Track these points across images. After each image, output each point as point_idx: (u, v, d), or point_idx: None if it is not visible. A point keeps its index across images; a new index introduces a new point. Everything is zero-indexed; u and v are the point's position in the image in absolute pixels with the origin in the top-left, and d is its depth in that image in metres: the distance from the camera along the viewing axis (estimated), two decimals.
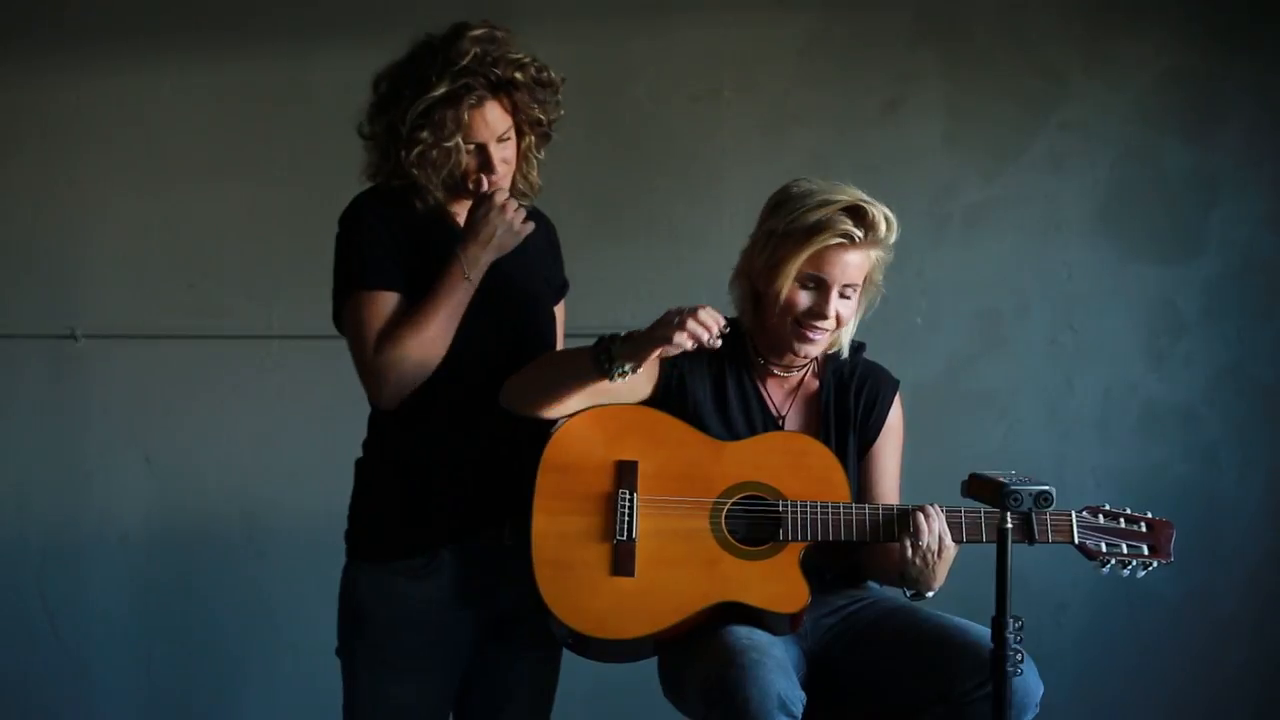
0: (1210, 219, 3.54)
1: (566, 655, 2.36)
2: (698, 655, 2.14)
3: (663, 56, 3.62)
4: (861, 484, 2.35)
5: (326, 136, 3.58)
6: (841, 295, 2.24)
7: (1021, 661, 2.02)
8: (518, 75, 2.23)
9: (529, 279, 2.40)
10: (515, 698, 2.43)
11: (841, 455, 2.31)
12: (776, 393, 2.36)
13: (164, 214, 3.74)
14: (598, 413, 2.25)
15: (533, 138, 2.33)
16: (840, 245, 2.19)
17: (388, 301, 2.27)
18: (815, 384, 2.37)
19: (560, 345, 2.51)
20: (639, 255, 3.60)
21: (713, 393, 2.32)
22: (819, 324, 2.24)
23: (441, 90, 2.18)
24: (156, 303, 3.74)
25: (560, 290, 2.53)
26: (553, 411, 2.23)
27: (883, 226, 2.20)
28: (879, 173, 3.54)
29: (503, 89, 2.23)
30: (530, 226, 2.28)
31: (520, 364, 2.29)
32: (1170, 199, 3.54)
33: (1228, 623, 3.54)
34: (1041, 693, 2.14)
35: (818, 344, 2.27)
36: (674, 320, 2.10)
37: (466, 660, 2.40)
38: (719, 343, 2.12)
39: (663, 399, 2.30)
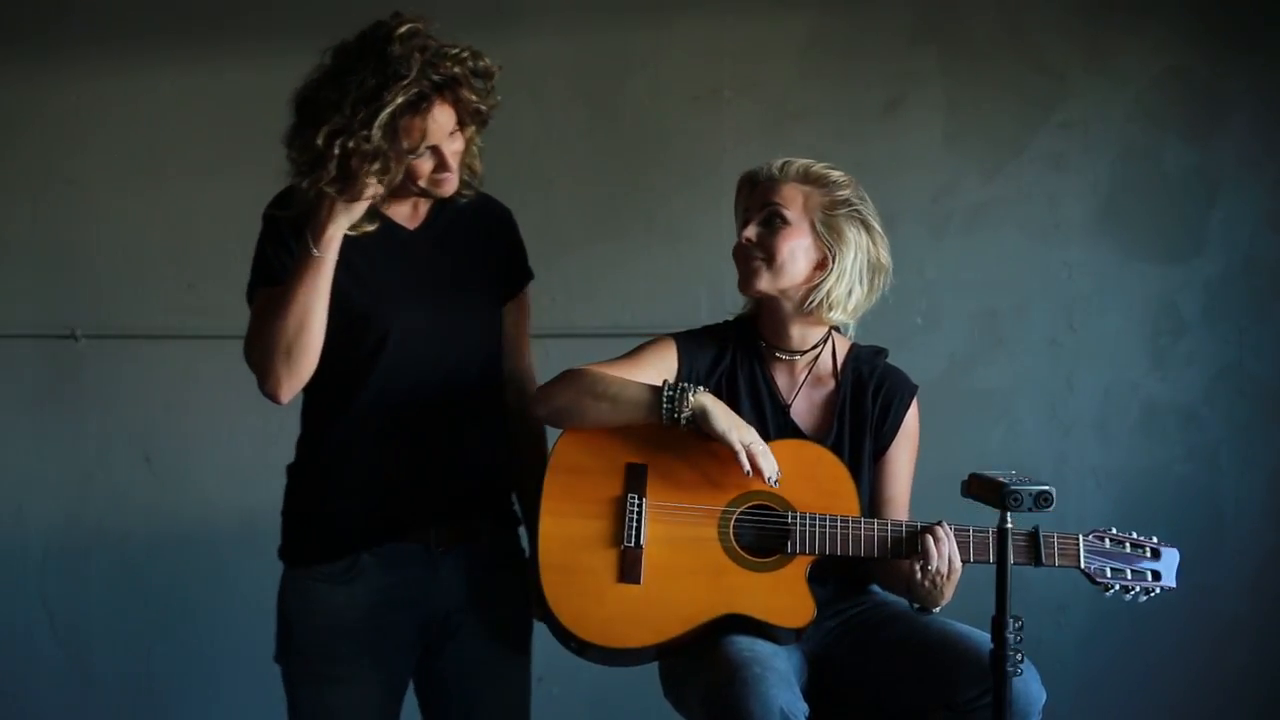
0: (1211, 218, 3.53)
1: (566, 654, 2.36)
2: (700, 665, 2.13)
3: (662, 55, 3.62)
4: (873, 487, 2.35)
5: None
6: (764, 224, 2.29)
7: (1021, 661, 2.02)
8: (457, 70, 2.17)
9: (461, 276, 2.35)
10: (482, 699, 2.37)
11: (856, 457, 2.32)
12: (784, 379, 2.36)
13: (164, 214, 3.74)
14: None
15: (474, 127, 2.27)
16: (748, 181, 2.37)
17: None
18: (832, 382, 2.36)
19: (526, 337, 2.47)
20: (638, 255, 3.60)
21: (723, 384, 2.33)
22: (743, 247, 2.31)
23: (400, 100, 2.11)
24: (156, 303, 3.74)
25: (517, 283, 2.45)
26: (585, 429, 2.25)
27: (777, 166, 2.33)
28: (879, 172, 3.53)
29: (446, 87, 2.17)
30: (376, 189, 2.17)
31: (451, 366, 2.28)
32: (1170, 198, 3.54)
33: (1230, 624, 3.54)
34: (1044, 700, 2.13)
35: (752, 272, 2.30)
36: (750, 448, 2.16)
37: (408, 667, 2.35)
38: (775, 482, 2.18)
39: None
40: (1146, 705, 3.55)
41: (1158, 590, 2.24)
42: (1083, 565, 2.21)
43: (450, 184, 2.26)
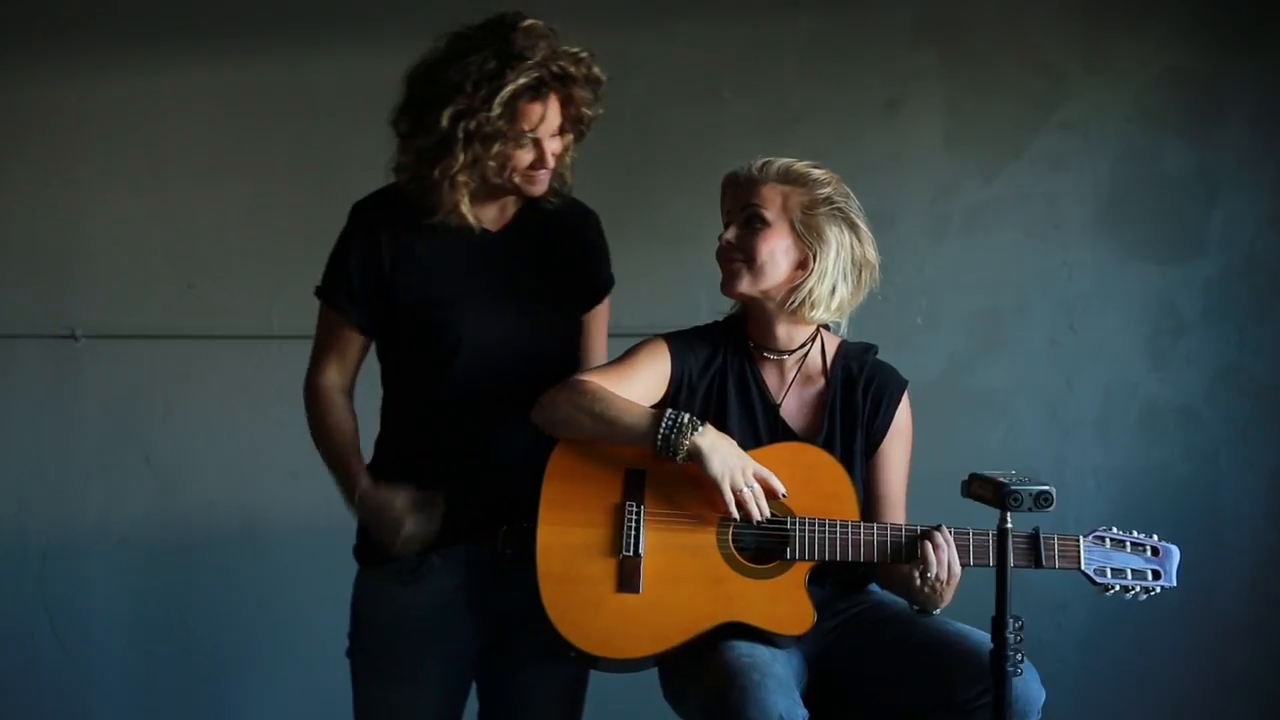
0: (1211, 219, 3.53)
1: None
2: (700, 671, 2.13)
3: (663, 57, 3.62)
4: (868, 485, 2.34)
5: (326, 136, 3.60)
6: (744, 225, 2.29)
7: (1021, 661, 2.02)
8: (574, 70, 2.22)
9: (539, 282, 2.37)
10: (534, 701, 2.40)
11: (848, 454, 2.31)
12: (773, 379, 2.35)
13: (164, 214, 3.74)
14: None
15: (572, 136, 2.32)
16: (730, 183, 2.35)
17: (332, 322, 2.34)
18: (821, 380, 2.36)
19: (604, 342, 2.48)
20: (639, 256, 3.57)
21: (715, 384, 2.33)
22: (724, 249, 2.31)
23: (521, 81, 2.16)
24: (156, 303, 3.74)
25: (598, 291, 2.48)
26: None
27: (757, 166, 2.31)
28: (879, 173, 3.54)
29: (561, 82, 2.22)
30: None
31: (526, 371, 2.29)
32: (1170, 199, 3.54)
33: (1230, 624, 3.54)
34: (1043, 700, 2.14)
35: (732, 274, 2.29)
36: (739, 496, 2.16)
37: (469, 668, 2.38)
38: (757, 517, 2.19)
39: (672, 399, 2.30)
40: (1146, 705, 3.55)
41: (1158, 589, 2.23)
42: (1083, 567, 2.21)
43: (542, 183, 2.29)
